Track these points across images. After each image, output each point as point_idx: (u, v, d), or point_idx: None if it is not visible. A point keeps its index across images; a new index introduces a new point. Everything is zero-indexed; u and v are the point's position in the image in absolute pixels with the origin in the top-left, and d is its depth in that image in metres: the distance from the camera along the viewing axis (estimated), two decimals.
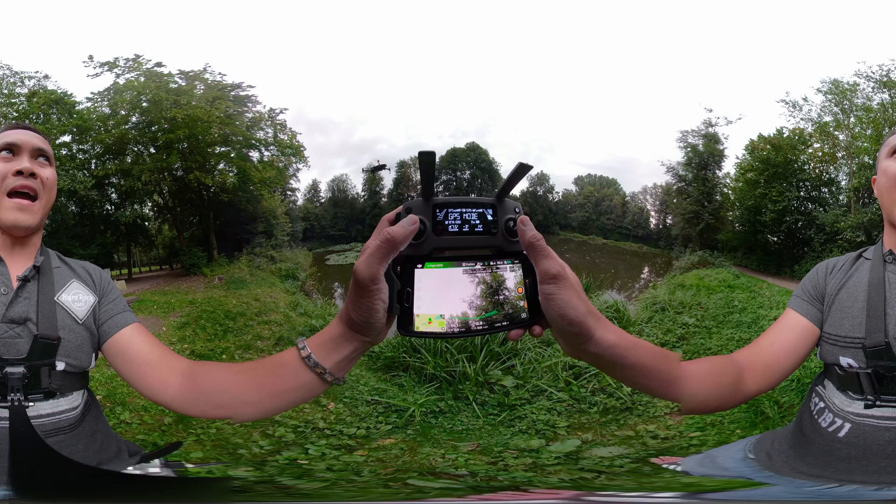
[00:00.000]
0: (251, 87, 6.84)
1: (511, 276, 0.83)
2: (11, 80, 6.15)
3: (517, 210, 0.83)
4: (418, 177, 0.92)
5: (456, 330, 0.79)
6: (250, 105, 6.92)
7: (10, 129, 1.23)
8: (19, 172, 1.17)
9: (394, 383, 3.93)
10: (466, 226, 0.81)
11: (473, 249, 0.82)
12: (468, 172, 8.50)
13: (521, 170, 0.78)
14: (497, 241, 0.82)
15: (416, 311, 0.78)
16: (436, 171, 0.77)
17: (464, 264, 0.81)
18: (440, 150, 8.38)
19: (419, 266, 0.79)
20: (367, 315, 0.77)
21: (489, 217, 0.82)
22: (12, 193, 1.18)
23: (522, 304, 0.82)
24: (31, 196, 1.19)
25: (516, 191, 0.90)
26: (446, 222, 0.80)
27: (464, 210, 0.80)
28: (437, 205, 0.80)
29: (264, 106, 7.04)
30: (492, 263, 0.82)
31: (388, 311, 0.77)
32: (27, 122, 1.35)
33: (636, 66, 7.62)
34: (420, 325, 0.78)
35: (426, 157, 0.75)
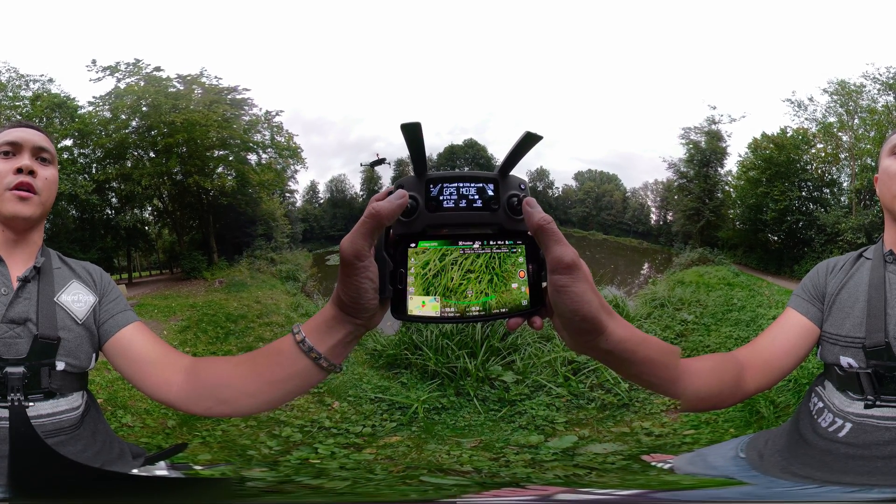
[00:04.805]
0: (247, 90, 6.85)
1: (512, 259, 0.75)
2: (17, 82, 6.15)
3: (522, 187, 0.75)
4: None
5: (450, 315, 0.73)
6: (247, 108, 6.93)
7: (12, 127, 1.24)
8: (19, 170, 1.18)
9: (396, 381, 3.94)
10: (464, 201, 0.73)
11: (471, 227, 0.74)
12: (466, 170, 8.47)
13: (528, 140, 0.69)
14: (498, 219, 0.74)
15: (409, 292, 0.72)
16: (424, 142, 0.69)
17: (460, 243, 0.74)
18: (439, 148, 8.32)
19: (412, 245, 0.73)
20: (355, 295, 0.71)
21: (489, 192, 0.73)
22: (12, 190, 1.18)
23: (524, 290, 0.74)
24: (31, 192, 1.19)
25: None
26: (441, 198, 0.72)
27: (461, 185, 0.73)
28: (431, 179, 0.72)
29: (260, 109, 7.03)
30: (491, 243, 0.74)
31: (380, 292, 0.72)
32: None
33: (638, 61, 7.57)
34: (413, 307, 0.72)
35: (410, 129, 0.66)
